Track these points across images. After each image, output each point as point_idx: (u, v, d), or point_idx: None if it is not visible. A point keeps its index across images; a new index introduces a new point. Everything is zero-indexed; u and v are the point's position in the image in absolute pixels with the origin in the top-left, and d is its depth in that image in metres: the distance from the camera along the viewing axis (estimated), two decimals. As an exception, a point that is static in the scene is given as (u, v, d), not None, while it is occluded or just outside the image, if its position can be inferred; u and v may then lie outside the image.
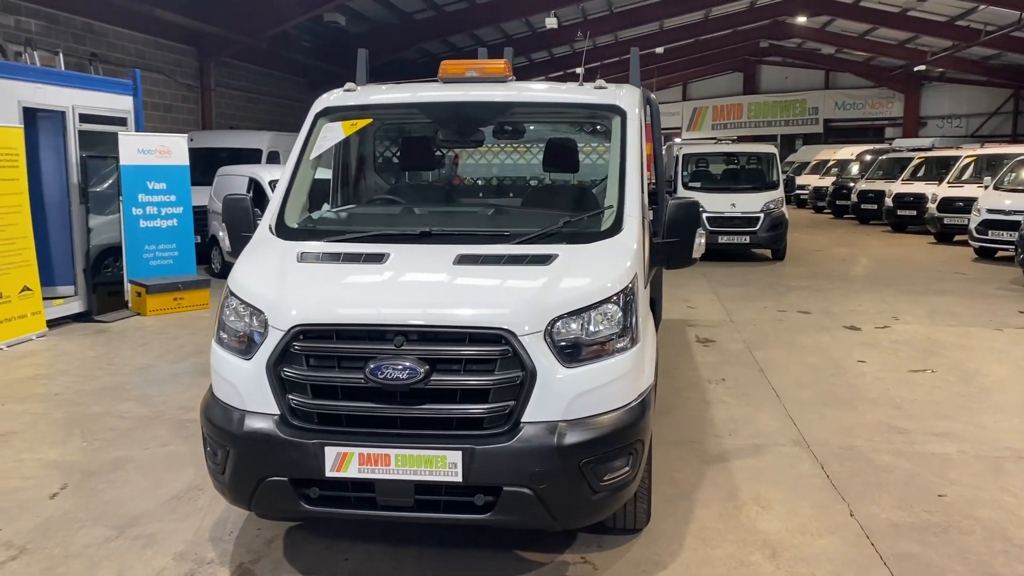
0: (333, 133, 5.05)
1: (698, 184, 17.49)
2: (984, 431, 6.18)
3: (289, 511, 3.79)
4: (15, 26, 13.88)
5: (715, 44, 40.30)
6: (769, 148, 18.49)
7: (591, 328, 3.80)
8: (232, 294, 4.02)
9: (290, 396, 3.71)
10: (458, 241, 4.26)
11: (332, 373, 3.69)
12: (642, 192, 4.64)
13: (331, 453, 3.63)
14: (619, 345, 3.86)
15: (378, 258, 4.08)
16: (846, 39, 37.30)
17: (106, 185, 10.94)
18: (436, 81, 5.30)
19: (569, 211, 4.64)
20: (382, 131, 5.75)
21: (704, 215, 16.33)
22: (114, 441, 5.93)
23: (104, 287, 10.91)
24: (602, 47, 36.73)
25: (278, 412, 3.73)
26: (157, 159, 11.19)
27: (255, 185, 13.45)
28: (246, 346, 3.85)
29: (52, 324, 9.72)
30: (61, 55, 11.12)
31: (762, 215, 16.30)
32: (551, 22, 26.79)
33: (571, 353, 3.73)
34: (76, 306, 10.32)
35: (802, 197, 32.80)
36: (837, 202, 28.20)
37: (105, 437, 6.01)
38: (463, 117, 5.25)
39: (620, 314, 3.89)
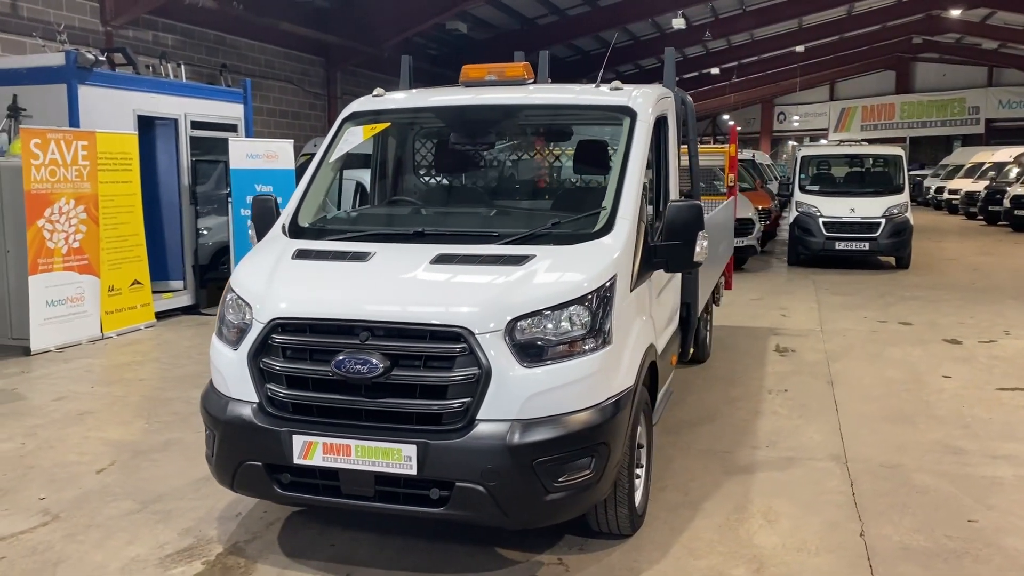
0: (354, 137, 5.27)
1: (816, 187, 16.81)
2: (1053, 456, 5.70)
3: (265, 494, 4.00)
4: (153, 40, 15.06)
5: (862, 41, 38.46)
6: (895, 150, 17.52)
7: (554, 328, 3.81)
8: (231, 288, 4.28)
9: (268, 386, 3.93)
10: (446, 241, 4.36)
11: (304, 365, 3.87)
12: (643, 194, 4.58)
13: (299, 441, 3.81)
14: (586, 346, 3.85)
15: (362, 256, 4.24)
16: (1011, 32, 34.69)
17: (225, 188, 11.72)
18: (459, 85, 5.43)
19: (572, 212, 4.64)
20: (421, 133, 5.92)
21: (820, 220, 15.69)
22: (172, 424, 6.38)
23: (215, 283, 11.67)
24: (737, 47, 35.84)
25: (257, 400, 3.95)
26: (264, 163, 11.83)
27: (361, 189, 13.99)
28: (236, 337, 4.09)
29: (162, 316, 10.50)
30: (183, 67, 11.98)
31: (883, 221, 15.45)
32: (678, 23, 26.41)
33: (531, 353, 3.75)
34: (185, 299, 11.10)
35: (953, 203, 30.78)
36: (990, 208, 26.25)
37: (166, 420, 6.48)
38: (473, 120, 5.35)
39: (588, 316, 3.87)
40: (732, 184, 9.98)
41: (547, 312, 3.81)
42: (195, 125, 11.07)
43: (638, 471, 4.54)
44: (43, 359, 8.52)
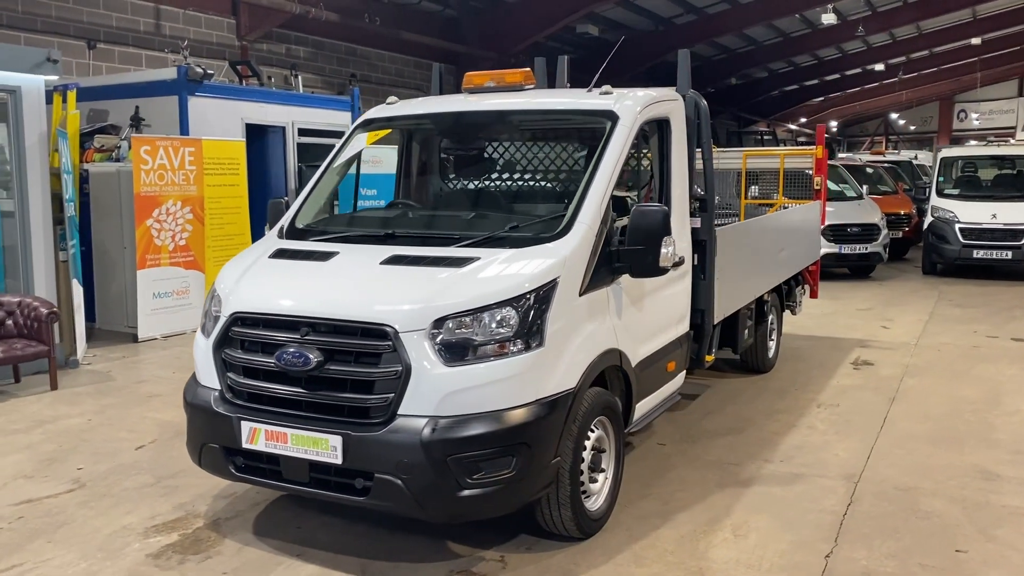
0: (358, 143, 5.56)
1: (956, 191, 15.66)
2: (1101, 489, 5.17)
3: (224, 474, 4.33)
4: (286, 53, 16.11)
5: (1052, 31, 35.11)
6: (1049, 150, 16.03)
7: (480, 329, 3.91)
8: (214, 284, 4.66)
9: (228, 375, 4.26)
10: (410, 243, 4.55)
11: (255, 356, 4.18)
12: (609, 198, 4.57)
13: (246, 427, 4.12)
14: (514, 348, 3.92)
15: (325, 257, 4.50)
16: None
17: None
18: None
19: (540, 215, 4.71)
20: (421, 139, 6.11)
21: (957, 226, 14.63)
22: (221, 409, 6.90)
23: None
24: (903, 41, 33.70)
25: (219, 388, 4.29)
26: (369, 168, 12.41)
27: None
28: (209, 329, 4.45)
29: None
30: (299, 77, 12.81)
31: (1029, 228, 14.20)
32: (829, 18, 25.23)
33: (455, 352, 3.88)
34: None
35: None
36: None
37: (218, 405, 7.02)
38: (465, 126, 5.49)
39: (516, 318, 3.94)
40: (819, 188, 9.53)
41: (472, 313, 3.92)
42: (303, 132, 11.80)
43: (596, 475, 4.55)
44: (146, 346, 9.39)
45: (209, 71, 10.43)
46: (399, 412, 3.84)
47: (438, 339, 3.88)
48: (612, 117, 4.92)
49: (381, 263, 4.29)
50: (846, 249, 14.53)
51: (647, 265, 4.53)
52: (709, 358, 6.12)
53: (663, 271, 4.60)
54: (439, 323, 3.89)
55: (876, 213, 15.00)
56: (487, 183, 5.81)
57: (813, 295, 9.56)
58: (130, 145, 10.18)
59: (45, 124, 8.11)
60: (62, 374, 7.87)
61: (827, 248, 14.37)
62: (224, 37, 14.81)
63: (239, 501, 5.00)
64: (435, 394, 3.82)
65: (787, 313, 8.88)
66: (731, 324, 6.77)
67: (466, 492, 3.82)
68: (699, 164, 5.81)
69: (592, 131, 5.05)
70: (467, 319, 3.92)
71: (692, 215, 5.75)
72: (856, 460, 5.70)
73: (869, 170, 19.56)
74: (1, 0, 11.41)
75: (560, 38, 22.45)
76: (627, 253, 4.52)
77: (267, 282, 4.44)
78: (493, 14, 19.58)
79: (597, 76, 5.37)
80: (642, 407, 5.06)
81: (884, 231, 14.87)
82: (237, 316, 4.26)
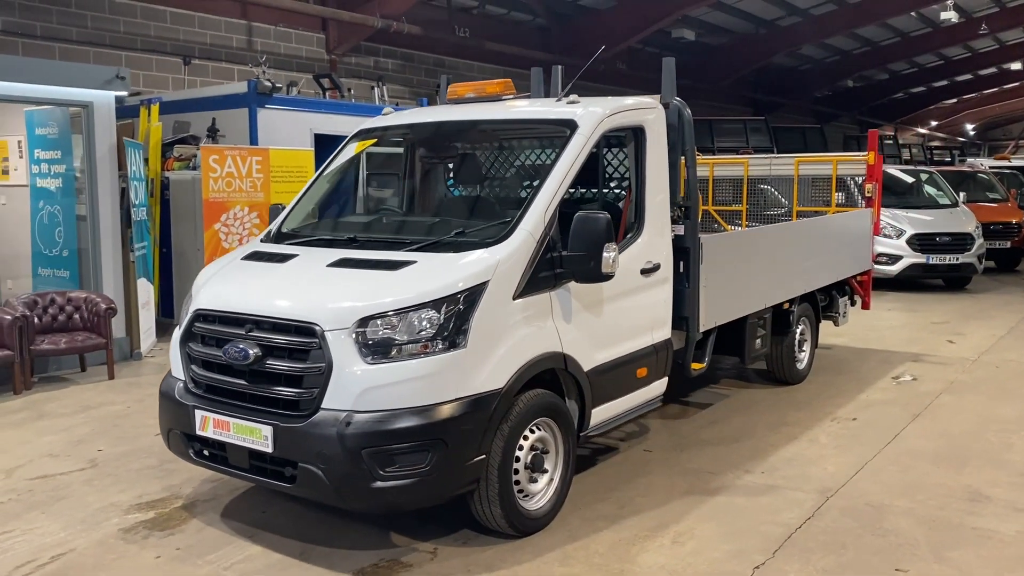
0: (349, 151, 5.87)
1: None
2: (1094, 516, 4.86)
3: (187, 459, 4.69)
4: (374, 65, 16.77)
5: None
6: None
7: (401, 329, 4.12)
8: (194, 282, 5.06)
9: (191, 367, 4.63)
10: (364, 247, 4.81)
11: (210, 350, 4.52)
12: (556, 204, 4.68)
13: (199, 415, 4.47)
14: (434, 348, 4.11)
15: (284, 259, 4.81)
16: None
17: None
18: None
19: (491, 221, 4.87)
20: (405, 147, 6.34)
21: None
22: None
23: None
24: (1038, 39, 31.55)
25: (183, 378, 4.67)
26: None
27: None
28: (181, 324, 4.84)
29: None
30: (384, 88, 13.34)
31: None
32: (949, 15, 23.99)
33: (376, 350, 4.09)
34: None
35: None
36: None
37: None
38: (439, 135, 5.70)
39: (438, 319, 4.12)
40: (869, 195, 9.17)
41: (395, 314, 4.13)
42: (371, 141, 12.27)
43: (537, 475, 4.66)
44: (210, 342, 10.04)
45: (278, 84, 11.05)
46: (323, 406, 4.09)
47: (361, 338, 4.11)
48: (572, 126, 5.02)
49: (327, 265, 4.57)
50: (934, 259, 13.83)
51: (589, 271, 4.61)
52: (697, 366, 6.10)
53: (607, 277, 4.67)
54: (363, 323, 4.12)
55: (970, 222, 14.22)
56: (456, 190, 6.02)
57: (864, 306, 9.22)
58: (203, 154, 10.93)
59: (114, 136, 8.83)
60: (124, 365, 8.57)
61: (912, 258, 13.78)
62: (313, 52, 15.58)
63: (221, 486, 5.37)
64: (354, 389, 4.05)
65: (834, 324, 8.67)
66: (736, 333, 6.69)
67: (380, 484, 4.02)
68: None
69: (552, 140, 5.16)
70: (391, 319, 4.13)
71: (675, 222, 5.77)
72: (842, 475, 5.55)
73: (983, 176, 18.53)
74: (105, 23, 12.45)
75: (655, 43, 22.35)
76: (569, 259, 4.61)
77: (228, 282, 4.79)
78: (581, 22, 19.72)
79: (569, 85, 5.46)
80: (602, 412, 5.11)
81: (979, 241, 14.07)
82: (199, 313, 4.63)
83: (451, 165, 6.12)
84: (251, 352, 4.25)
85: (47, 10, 11.82)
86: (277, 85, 11.03)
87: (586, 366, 4.90)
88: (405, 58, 17.50)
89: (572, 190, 5.50)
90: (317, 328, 4.14)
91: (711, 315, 6.03)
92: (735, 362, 7.37)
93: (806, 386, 7.83)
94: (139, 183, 9.29)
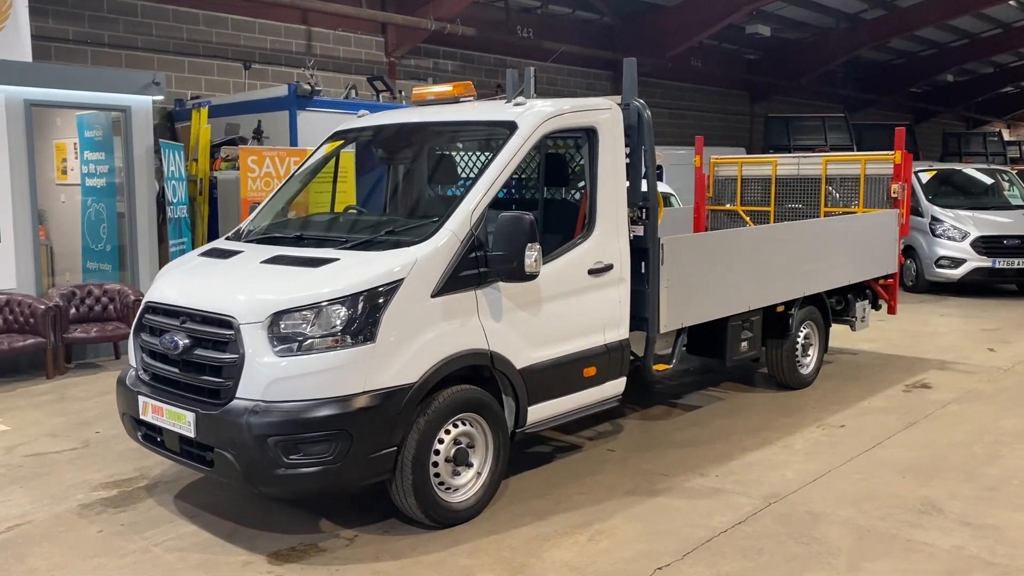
0: (319, 152, 6.12)
1: None
2: (1044, 534, 4.62)
3: (137, 441, 5.00)
4: (434, 67, 17.08)
5: None
6: None
7: (311, 323, 4.30)
8: (157, 277, 5.39)
9: (141, 355, 4.94)
10: (304, 245, 5.03)
11: (153, 340, 4.82)
12: (485, 205, 4.78)
13: (141, 401, 4.78)
14: (343, 342, 4.27)
15: (229, 255, 5.07)
16: None
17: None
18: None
19: (423, 220, 5.01)
20: (366, 149, 6.54)
21: None
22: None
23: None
24: None
25: (135, 366, 4.99)
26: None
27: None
28: (140, 317, 5.18)
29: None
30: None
31: None
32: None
33: (287, 343, 4.29)
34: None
35: None
36: None
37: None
38: (395, 138, 5.88)
39: (345, 314, 4.29)
40: (895, 196, 8.81)
41: (306, 309, 4.31)
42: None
43: (461, 469, 4.76)
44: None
45: (318, 87, 11.44)
46: (237, 395, 4.31)
47: (273, 331, 4.31)
48: (512, 127, 5.11)
49: (260, 262, 4.80)
50: (1001, 263, 13.14)
51: (512, 271, 4.69)
52: (659, 367, 6.06)
53: (530, 277, 4.73)
54: (276, 317, 4.32)
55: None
56: (405, 191, 6.18)
57: (891, 311, 8.88)
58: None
59: (151, 137, 9.38)
60: (156, 354, 9.08)
61: (977, 262, 13.15)
62: (372, 55, 16.00)
63: (186, 469, 5.67)
64: (264, 380, 4.26)
65: (851, 329, 8.43)
66: (716, 334, 6.61)
67: (284, 471, 4.22)
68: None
69: (495, 141, 5.25)
70: (302, 314, 4.32)
71: (634, 223, 5.76)
72: (797, 482, 5.44)
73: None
74: (169, 31, 13.15)
75: (729, 39, 21.90)
76: (493, 259, 4.70)
77: (175, 277, 5.09)
78: (648, 19, 19.54)
79: (521, 87, 5.53)
80: (540, 410, 5.16)
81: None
82: (147, 305, 4.94)
83: (405, 167, 6.29)
84: (180, 342, 4.52)
85: (114, 20, 12.58)
86: (317, 88, 11.41)
87: (519, 364, 4.97)
88: (465, 59, 17.74)
89: (542, 191, 5.57)
90: (234, 321, 4.37)
91: (675, 316, 5.99)
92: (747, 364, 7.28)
93: (808, 391, 7.64)
94: (178, 182, 9.83)
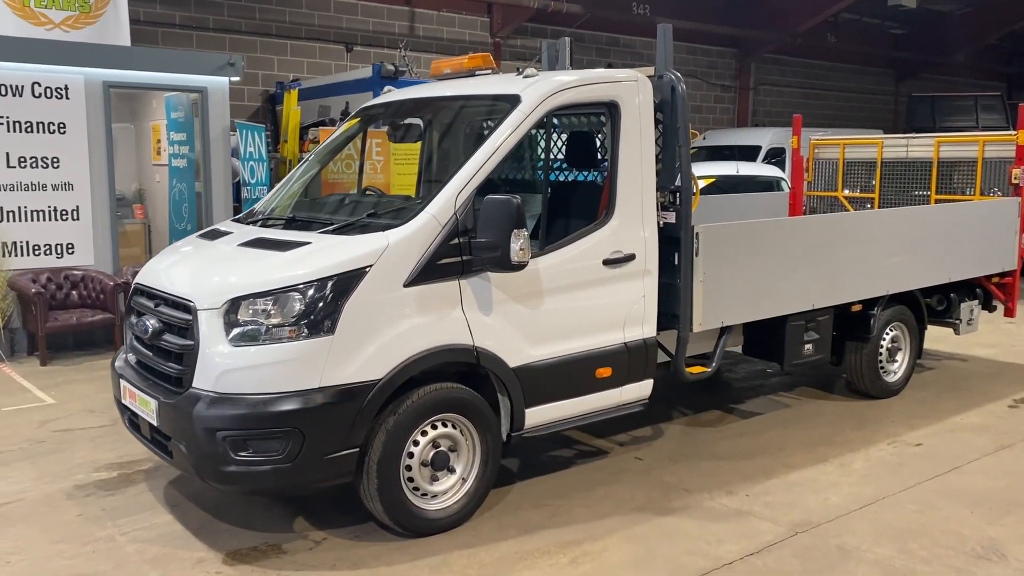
0: (339, 129, 5.85)
1: None
2: None
3: (125, 426, 4.90)
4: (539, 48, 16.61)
5: None
6: None
7: (267, 312, 4.02)
8: (156, 259, 5.27)
9: (130, 340, 4.83)
10: (294, 227, 4.74)
11: (135, 323, 4.68)
12: (474, 186, 4.35)
13: (122, 385, 4.65)
14: (298, 333, 3.97)
15: (215, 237, 4.87)
16: None
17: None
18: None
19: (409, 203, 4.64)
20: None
21: None
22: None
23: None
24: None
25: (125, 349, 4.89)
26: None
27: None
28: (137, 300, 5.07)
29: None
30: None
31: None
32: None
33: (242, 332, 4.03)
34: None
35: None
36: None
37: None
38: (406, 114, 5.49)
39: (302, 304, 3.98)
40: (1016, 182, 7.67)
41: (263, 296, 4.03)
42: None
43: (440, 474, 4.39)
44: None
45: (402, 68, 11.25)
46: (192, 384, 4.09)
47: (229, 318, 4.05)
48: (514, 101, 4.65)
49: (239, 245, 4.56)
50: None
51: (497, 260, 4.25)
52: (696, 370, 5.45)
53: (517, 267, 4.27)
54: (234, 303, 4.06)
55: None
56: (425, 168, 5.81)
57: (1008, 314, 7.80)
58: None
59: (227, 118, 9.44)
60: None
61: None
62: (477, 35, 15.73)
63: (193, 454, 5.58)
64: (216, 370, 4.01)
65: (955, 332, 7.44)
66: (774, 335, 5.92)
67: (233, 468, 3.96)
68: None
69: (495, 116, 4.80)
70: (260, 301, 4.03)
71: (666, 208, 5.18)
72: (839, 509, 4.73)
73: None
74: (272, 14, 13.34)
75: (870, 12, 20.24)
76: (477, 246, 4.27)
77: (162, 259, 4.93)
78: (777, -6, 18.37)
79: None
80: (541, 413, 4.69)
81: None
82: (134, 287, 4.81)
83: (421, 143, 5.92)
84: (150, 326, 4.35)
85: (219, 4, 12.86)
86: (402, 69, 11.23)
87: (513, 362, 4.52)
88: (576, 38, 17.12)
89: (546, 172, 5.11)
90: (192, 306, 4.14)
91: (712, 314, 5.35)
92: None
93: (891, 402, 6.76)
94: (256, 163, 9.89)
